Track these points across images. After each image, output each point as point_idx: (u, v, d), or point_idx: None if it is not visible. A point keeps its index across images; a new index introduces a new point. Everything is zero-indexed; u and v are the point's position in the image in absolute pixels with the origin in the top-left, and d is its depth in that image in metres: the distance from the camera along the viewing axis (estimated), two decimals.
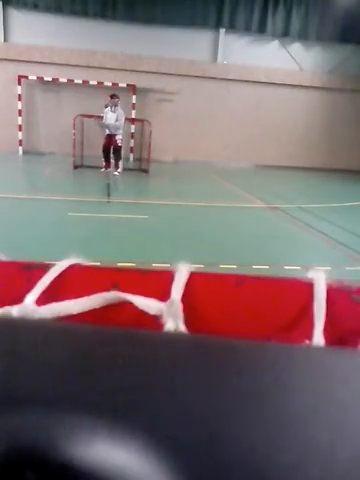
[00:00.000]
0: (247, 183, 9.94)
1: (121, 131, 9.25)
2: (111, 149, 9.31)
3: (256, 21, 13.14)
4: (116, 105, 9.05)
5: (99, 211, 5.73)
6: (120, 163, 9.51)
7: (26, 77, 12.26)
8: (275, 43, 13.69)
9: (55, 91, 12.87)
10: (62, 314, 0.42)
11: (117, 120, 9.02)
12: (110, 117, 9.06)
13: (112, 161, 9.49)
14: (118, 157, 9.42)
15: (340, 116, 14.48)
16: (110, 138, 9.24)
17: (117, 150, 9.33)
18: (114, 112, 9.05)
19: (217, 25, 13.12)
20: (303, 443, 0.16)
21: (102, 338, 0.24)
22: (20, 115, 12.65)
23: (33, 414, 0.16)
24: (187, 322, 0.42)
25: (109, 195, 6.88)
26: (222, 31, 13.23)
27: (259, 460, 0.15)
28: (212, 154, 13.95)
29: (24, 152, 12.80)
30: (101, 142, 9.96)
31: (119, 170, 9.44)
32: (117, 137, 9.17)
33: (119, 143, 9.27)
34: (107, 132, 9.22)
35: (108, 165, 9.48)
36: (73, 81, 12.41)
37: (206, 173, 11.36)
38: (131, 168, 10.64)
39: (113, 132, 9.12)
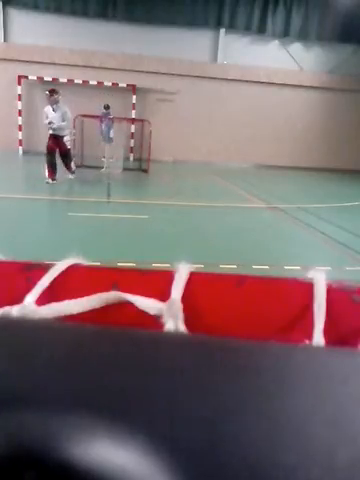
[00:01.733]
0: (247, 183, 9.94)
1: (68, 131, 7.88)
2: (56, 153, 7.82)
3: (256, 21, 13.15)
4: (57, 102, 7.53)
5: (99, 211, 5.73)
6: (72, 164, 8.27)
7: (26, 77, 12.27)
8: (275, 43, 13.69)
9: None
10: (62, 314, 0.42)
11: (63, 120, 7.56)
12: (52, 117, 7.53)
13: (53, 162, 7.86)
14: (68, 160, 8.10)
15: (340, 116, 14.48)
16: (55, 139, 7.66)
17: (66, 154, 7.96)
18: (56, 111, 7.54)
19: (217, 25, 13.13)
20: (303, 443, 0.16)
21: (102, 338, 0.24)
22: (20, 115, 12.65)
23: (33, 414, 0.16)
24: (187, 322, 0.42)
25: (109, 195, 6.88)
26: (222, 31, 13.23)
27: (259, 460, 0.15)
28: (212, 154, 13.95)
29: (24, 152, 12.80)
30: (99, 142, 9.93)
31: (73, 171, 8.25)
32: (65, 139, 7.76)
33: (68, 145, 7.91)
34: (51, 132, 7.67)
35: (52, 173, 7.75)
36: (73, 81, 12.41)
37: (206, 173, 11.36)
38: (131, 168, 10.63)
39: (59, 133, 7.63)
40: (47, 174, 7.73)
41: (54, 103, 7.54)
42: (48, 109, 7.65)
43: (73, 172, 8.25)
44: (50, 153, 7.71)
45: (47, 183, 7.65)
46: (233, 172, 12.13)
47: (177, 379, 0.20)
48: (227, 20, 13.04)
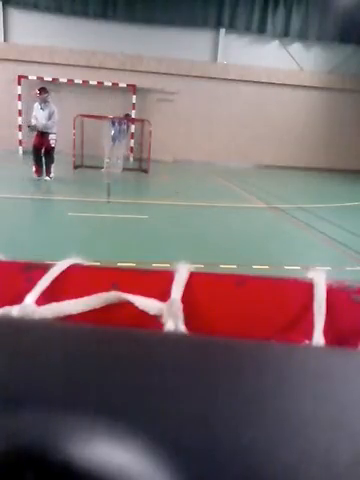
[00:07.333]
0: (247, 183, 9.94)
1: (55, 130, 7.81)
2: (43, 150, 7.85)
3: (256, 21, 13.16)
4: (46, 101, 7.66)
5: (99, 211, 5.73)
6: (52, 167, 7.98)
7: (26, 77, 12.27)
8: (275, 43, 13.70)
9: (55, 91, 12.86)
10: (62, 314, 0.42)
11: (50, 118, 7.62)
12: (41, 116, 7.63)
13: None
14: (51, 160, 7.92)
15: (340, 116, 14.49)
16: (42, 137, 7.73)
17: (49, 151, 7.85)
18: (44, 109, 7.64)
19: (217, 25, 13.13)
20: (303, 443, 0.16)
21: (102, 338, 0.24)
22: (20, 115, 12.66)
23: (33, 414, 0.16)
24: (187, 322, 0.42)
25: (109, 195, 6.88)
26: (222, 31, 13.24)
27: (259, 460, 0.15)
28: (212, 154, 13.95)
29: (24, 152, 12.79)
30: (102, 142, 9.91)
31: (51, 175, 7.96)
32: (51, 136, 7.75)
33: (52, 143, 7.81)
34: (38, 130, 7.77)
35: (40, 170, 7.95)
36: (73, 81, 12.42)
37: (206, 173, 11.36)
38: (131, 168, 10.63)
39: (45, 131, 7.70)
40: (34, 171, 7.98)
41: (43, 102, 7.70)
42: (36, 107, 7.79)
43: (50, 175, 7.97)
44: (36, 150, 7.84)
45: (35, 178, 7.91)
46: (233, 172, 12.12)
47: (177, 379, 0.20)
48: (227, 20, 13.04)
